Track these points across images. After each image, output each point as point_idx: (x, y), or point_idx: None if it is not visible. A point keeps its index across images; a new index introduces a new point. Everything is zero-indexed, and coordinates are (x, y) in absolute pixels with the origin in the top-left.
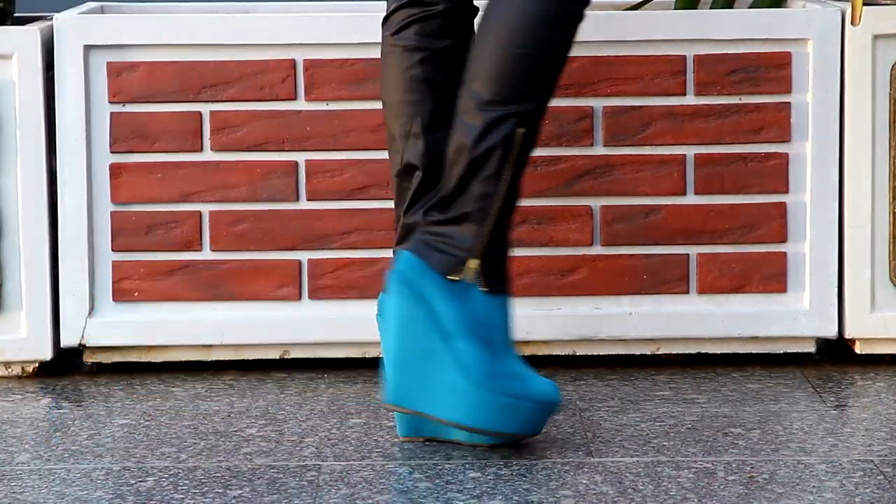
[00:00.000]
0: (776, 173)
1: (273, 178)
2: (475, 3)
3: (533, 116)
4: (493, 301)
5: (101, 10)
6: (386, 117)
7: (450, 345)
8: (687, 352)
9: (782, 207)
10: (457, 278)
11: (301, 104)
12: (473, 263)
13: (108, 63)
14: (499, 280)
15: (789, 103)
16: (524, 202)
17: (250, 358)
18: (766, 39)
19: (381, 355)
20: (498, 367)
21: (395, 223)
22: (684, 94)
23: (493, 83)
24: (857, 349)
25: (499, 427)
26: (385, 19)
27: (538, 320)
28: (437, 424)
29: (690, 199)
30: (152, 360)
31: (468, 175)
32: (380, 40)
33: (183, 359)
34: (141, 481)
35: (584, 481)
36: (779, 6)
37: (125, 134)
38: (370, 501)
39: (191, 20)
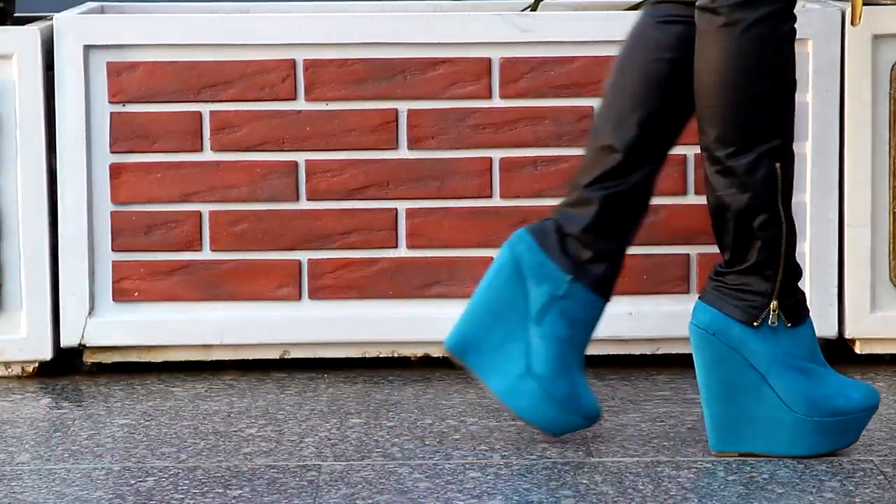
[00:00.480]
0: None
1: (273, 178)
2: None
3: (783, 147)
4: (798, 331)
5: (101, 10)
6: (607, 89)
7: (766, 384)
8: (687, 352)
9: None
10: (759, 323)
11: (301, 104)
12: (774, 305)
13: (108, 63)
14: (797, 310)
15: None
16: (524, 202)
17: (250, 358)
18: None
19: (380, 355)
20: (816, 391)
21: (569, 188)
22: None
23: (734, 132)
24: (857, 349)
25: (828, 448)
26: (652, 2)
27: None
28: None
29: (690, 199)
30: (152, 360)
31: (743, 228)
32: (380, 40)
33: (183, 359)
34: (141, 481)
35: (584, 481)
36: None
37: (125, 134)
38: (370, 501)
39: (191, 20)
